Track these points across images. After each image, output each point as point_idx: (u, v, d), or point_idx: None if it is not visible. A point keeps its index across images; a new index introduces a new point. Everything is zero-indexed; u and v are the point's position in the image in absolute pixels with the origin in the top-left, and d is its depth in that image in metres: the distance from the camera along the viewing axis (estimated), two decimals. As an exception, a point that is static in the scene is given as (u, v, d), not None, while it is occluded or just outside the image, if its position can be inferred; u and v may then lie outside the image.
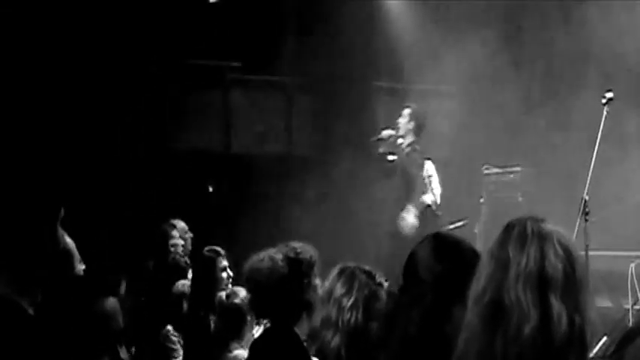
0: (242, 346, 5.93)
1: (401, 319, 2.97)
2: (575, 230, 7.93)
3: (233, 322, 6.05)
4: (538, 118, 9.61)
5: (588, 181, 8.08)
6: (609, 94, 8.18)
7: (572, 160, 9.61)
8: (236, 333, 6.04)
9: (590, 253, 8.10)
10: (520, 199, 10.75)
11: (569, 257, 2.40)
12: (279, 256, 4.35)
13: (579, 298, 2.38)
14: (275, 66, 12.27)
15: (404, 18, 11.85)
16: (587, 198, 8.08)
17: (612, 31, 10.11)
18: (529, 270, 2.36)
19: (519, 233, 2.43)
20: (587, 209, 8.05)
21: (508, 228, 2.48)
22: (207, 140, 12.11)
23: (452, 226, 10.34)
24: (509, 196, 10.76)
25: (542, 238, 2.41)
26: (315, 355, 3.98)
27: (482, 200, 10.86)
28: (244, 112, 12.42)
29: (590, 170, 8.11)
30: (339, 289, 3.84)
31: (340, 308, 3.80)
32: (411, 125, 9.94)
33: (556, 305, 2.33)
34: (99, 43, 10.49)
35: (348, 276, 3.85)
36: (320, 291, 4.18)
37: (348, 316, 3.77)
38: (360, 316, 3.78)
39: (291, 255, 4.35)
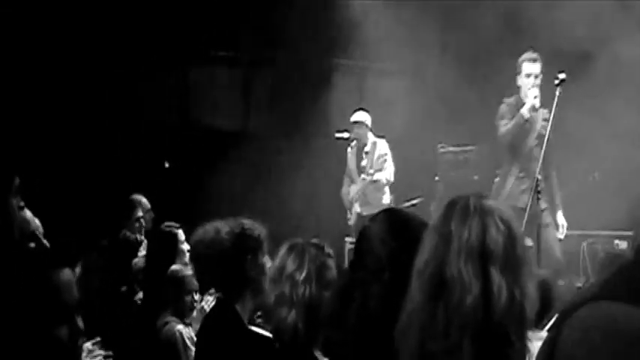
0: (183, 322, 5.90)
1: (358, 294, 2.99)
2: (527, 209, 8.02)
3: (171, 292, 5.99)
4: (489, 96, 9.59)
5: (540, 161, 8.17)
6: (562, 75, 8.19)
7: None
8: (172, 304, 5.97)
9: (543, 231, 8.23)
10: (475, 177, 10.84)
11: (510, 233, 2.45)
12: (225, 230, 4.34)
13: (519, 273, 2.43)
14: (233, 42, 12.30)
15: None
16: (539, 177, 8.16)
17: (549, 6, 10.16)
18: (470, 244, 2.40)
19: (462, 208, 2.48)
20: (539, 188, 8.14)
21: (451, 204, 2.52)
22: (164, 115, 12.10)
23: (407, 204, 10.44)
24: (464, 174, 10.84)
25: (484, 213, 2.45)
26: (272, 334, 3.94)
27: (437, 178, 10.94)
28: (202, 88, 12.41)
29: (543, 150, 8.19)
30: (291, 265, 3.80)
31: (293, 283, 3.77)
32: (539, 80, 8.66)
33: (496, 278, 2.37)
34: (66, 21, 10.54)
35: (299, 251, 3.84)
36: (269, 270, 4.09)
37: (302, 289, 3.75)
38: (313, 287, 3.76)
39: (237, 230, 4.34)
